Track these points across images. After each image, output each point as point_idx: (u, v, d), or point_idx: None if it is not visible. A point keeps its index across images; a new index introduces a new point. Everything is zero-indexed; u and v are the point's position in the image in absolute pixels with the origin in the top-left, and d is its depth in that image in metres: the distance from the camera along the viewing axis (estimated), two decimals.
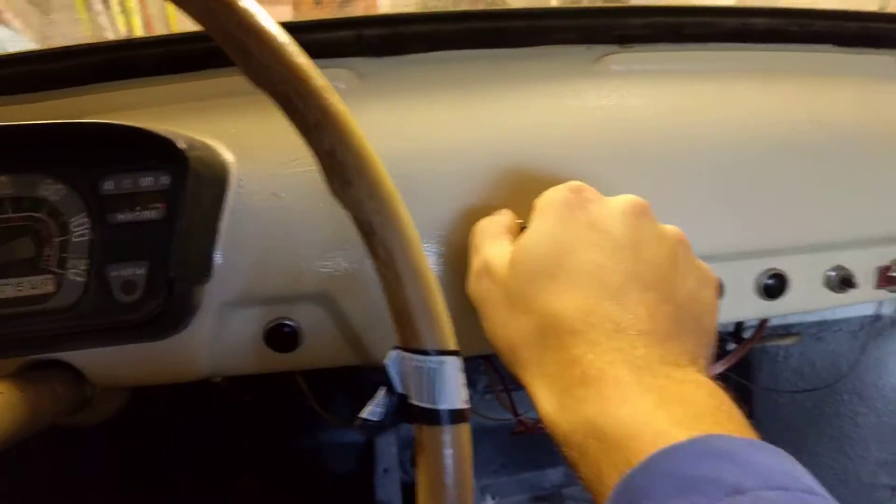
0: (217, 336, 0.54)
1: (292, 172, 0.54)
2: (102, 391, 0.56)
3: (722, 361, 0.85)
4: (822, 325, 1.06)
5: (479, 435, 1.38)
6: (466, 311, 0.52)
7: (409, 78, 0.58)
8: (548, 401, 0.36)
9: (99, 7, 3.33)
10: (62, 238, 0.49)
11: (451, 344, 0.31)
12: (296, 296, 0.55)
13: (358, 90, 0.58)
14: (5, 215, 0.49)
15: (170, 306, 0.49)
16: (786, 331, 1.03)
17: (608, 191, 0.56)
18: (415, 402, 0.30)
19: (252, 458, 1.21)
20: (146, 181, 0.50)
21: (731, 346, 0.92)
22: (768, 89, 0.61)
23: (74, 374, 0.53)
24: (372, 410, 0.33)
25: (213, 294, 0.53)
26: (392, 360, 0.32)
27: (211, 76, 0.57)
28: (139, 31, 3.55)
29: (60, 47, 0.55)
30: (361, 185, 0.30)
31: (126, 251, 0.50)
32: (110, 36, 3.32)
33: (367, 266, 0.54)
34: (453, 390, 0.30)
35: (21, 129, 0.48)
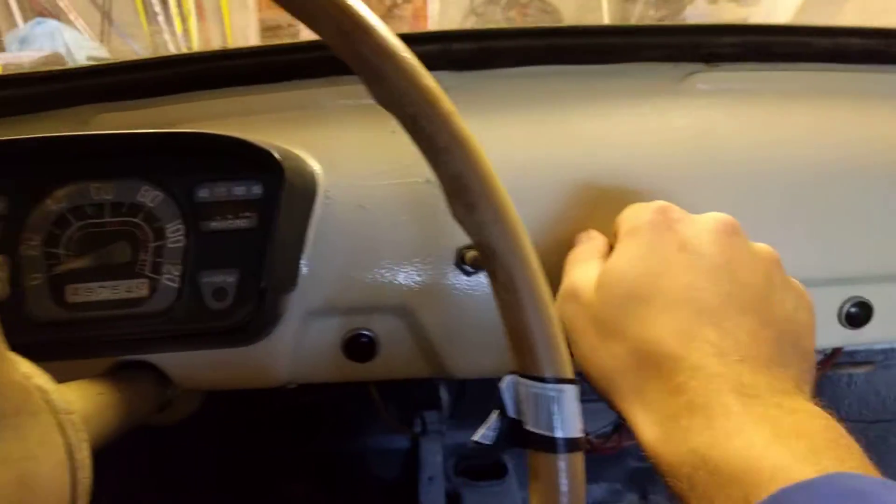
0: (297, 344, 0.55)
1: (378, 185, 0.54)
2: (182, 393, 0.57)
3: None
4: (890, 354, 1.03)
5: (521, 448, 1.37)
6: None
7: (493, 93, 0.58)
8: (650, 430, 0.35)
9: (158, 8, 3.40)
10: (157, 243, 0.51)
11: (570, 372, 0.31)
12: (375, 307, 0.55)
13: None
14: (104, 220, 0.51)
15: (258, 314, 0.49)
16: (852, 358, 1.00)
17: (692, 211, 0.55)
18: (530, 428, 0.30)
19: (299, 462, 1.22)
20: (239, 190, 0.51)
21: None
22: (860, 112, 0.60)
23: (159, 376, 0.54)
24: (484, 434, 0.33)
25: (297, 303, 0.54)
26: (507, 384, 0.32)
27: (299, 87, 0.58)
28: (194, 32, 3.62)
29: (156, 57, 0.56)
30: (486, 210, 0.29)
31: (218, 258, 0.51)
32: (167, 38, 3.38)
33: (448, 280, 0.54)
34: (571, 419, 0.30)
35: (122, 137, 0.49)
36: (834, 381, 1.04)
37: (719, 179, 0.56)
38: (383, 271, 0.54)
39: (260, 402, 1.09)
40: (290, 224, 0.50)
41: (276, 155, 0.48)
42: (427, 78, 0.30)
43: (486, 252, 0.30)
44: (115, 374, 0.50)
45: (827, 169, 0.57)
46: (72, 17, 3.46)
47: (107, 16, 3.60)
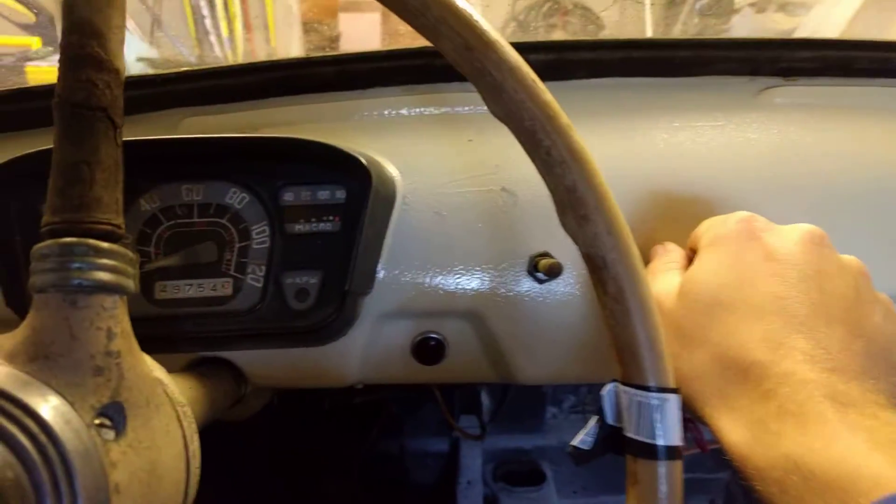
0: (369, 345, 0.56)
1: (455, 192, 0.55)
2: (255, 389, 0.59)
3: None
4: None
5: (560, 455, 1.36)
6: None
7: (570, 103, 0.59)
8: (737, 433, 0.35)
9: (205, 11, 3.48)
10: (243, 244, 0.52)
11: (672, 382, 0.31)
12: (447, 311, 0.56)
13: None
14: (193, 220, 0.53)
15: (339, 316, 0.50)
16: None
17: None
18: (631, 434, 0.31)
19: (344, 460, 1.23)
20: (323, 194, 0.53)
21: None
22: None
23: (237, 373, 0.56)
24: (583, 439, 0.33)
25: (371, 305, 0.55)
26: (609, 392, 0.32)
27: (378, 95, 0.59)
28: (239, 34, 3.68)
29: (241, 64, 0.58)
30: (599, 222, 0.30)
31: (301, 260, 0.52)
32: (214, 40, 3.44)
33: (519, 288, 0.55)
34: (672, 427, 0.31)
35: (212, 141, 0.51)
36: None
37: (797, 193, 0.56)
38: (456, 277, 0.55)
39: (311, 400, 1.11)
40: (373, 229, 0.51)
41: (363, 161, 0.49)
42: (546, 93, 0.31)
43: (596, 263, 0.31)
44: (198, 370, 0.52)
45: None
46: None
47: (157, 18, 3.68)
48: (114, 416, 0.27)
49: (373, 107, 0.59)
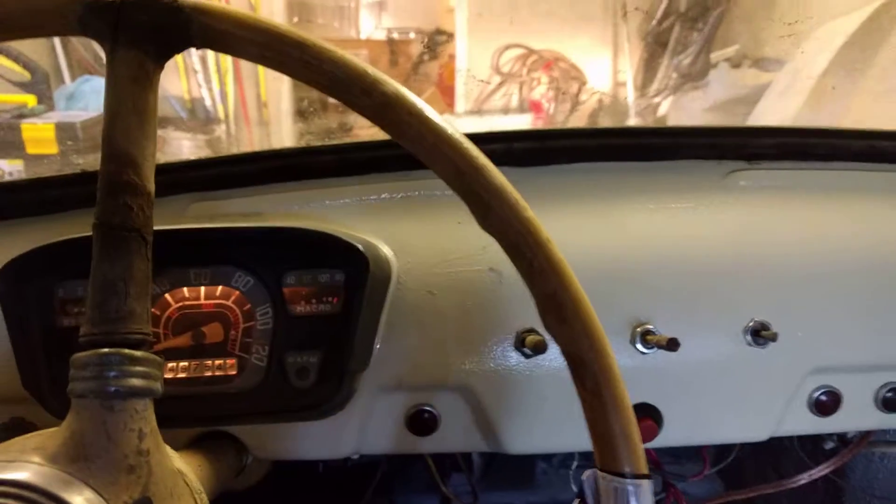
0: (365, 418, 0.59)
1: (446, 272, 0.59)
2: (255, 460, 0.61)
3: (825, 465, 0.85)
4: None
5: None
6: None
7: (551, 187, 0.64)
8: None
9: (197, 67, 3.54)
10: (248, 325, 0.56)
11: (645, 468, 0.34)
12: (439, 385, 0.59)
13: None
14: (200, 301, 0.56)
15: (338, 392, 0.54)
16: (887, 437, 1.01)
17: (736, 299, 0.59)
18: None
19: None
20: (323, 277, 0.56)
21: (830, 444, 0.92)
22: (894, 209, 0.64)
23: (239, 446, 0.58)
24: None
25: (367, 380, 0.58)
26: (588, 478, 0.35)
27: (373, 181, 0.64)
28: (231, 89, 3.73)
29: (244, 153, 0.62)
30: (576, 324, 0.34)
31: (302, 340, 0.55)
32: (205, 94, 3.50)
33: (508, 362, 0.58)
34: None
35: (220, 230, 0.55)
36: (867, 456, 1.05)
37: (763, 271, 0.60)
38: (449, 353, 0.58)
39: (306, 464, 1.12)
40: (370, 309, 0.54)
41: (361, 247, 0.53)
42: (527, 211, 0.35)
43: (575, 361, 0.34)
44: (203, 444, 0.54)
45: (864, 263, 0.62)
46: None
47: None
48: None
49: (369, 192, 0.63)
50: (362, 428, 0.59)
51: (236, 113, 3.73)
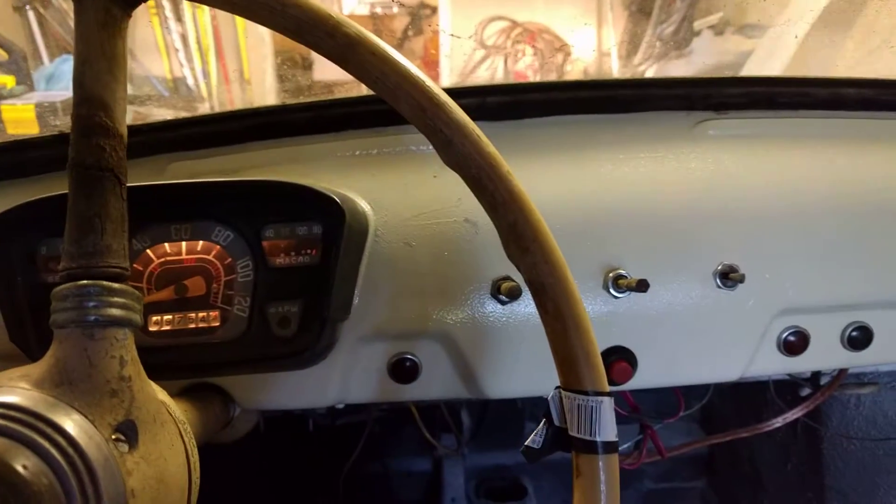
0: (348, 367, 0.61)
1: (422, 224, 0.60)
2: (242, 413, 0.63)
3: (799, 407, 0.88)
4: None
5: (541, 469, 1.41)
6: None
7: (524, 140, 0.65)
8: None
9: (178, 45, 3.50)
10: (229, 278, 0.57)
11: (606, 387, 0.36)
12: (419, 333, 0.61)
13: None
14: (181, 256, 0.57)
15: (319, 340, 0.55)
16: (859, 379, 1.04)
17: (704, 244, 0.61)
18: (574, 433, 0.36)
19: (330, 481, 1.27)
20: (301, 230, 0.58)
21: (805, 391, 0.94)
22: (856, 154, 0.66)
23: (225, 397, 0.60)
24: (533, 439, 0.38)
25: (349, 330, 0.60)
26: (553, 397, 0.37)
27: (348, 137, 0.65)
28: (213, 68, 3.70)
29: (222, 112, 0.63)
30: (537, 252, 0.36)
31: (282, 291, 0.57)
32: (187, 73, 3.46)
33: (484, 309, 0.60)
34: (608, 425, 0.36)
35: (199, 185, 0.56)
36: (843, 401, 1.09)
37: (730, 216, 0.62)
38: (427, 302, 0.60)
39: (296, 423, 1.15)
40: (348, 260, 0.56)
41: (337, 199, 0.55)
42: (489, 146, 0.36)
43: (536, 287, 0.36)
44: (190, 395, 0.56)
45: (827, 206, 0.63)
46: None
47: (130, 51, 3.72)
48: (127, 431, 0.32)
49: (345, 148, 0.64)
50: (345, 377, 0.61)
51: (219, 91, 3.70)
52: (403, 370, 0.62)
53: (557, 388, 0.37)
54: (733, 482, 1.34)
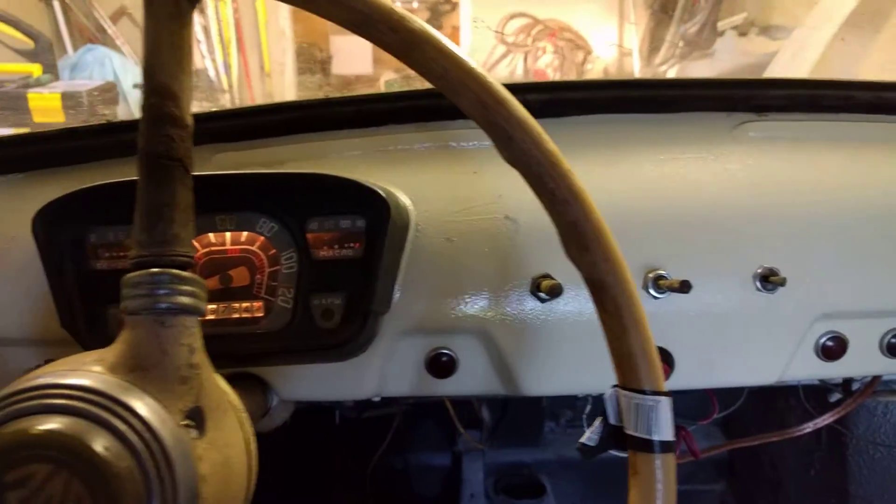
0: (386, 360, 0.61)
1: (462, 220, 0.60)
2: (280, 402, 0.64)
3: (830, 413, 0.88)
4: None
5: (558, 467, 1.41)
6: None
7: (564, 139, 0.65)
8: None
9: (200, 36, 3.53)
10: (273, 269, 0.58)
11: (663, 386, 0.36)
12: (457, 328, 0.61)
13: None
14: (226, 247, 0.58)
15: (361, 333, 0.56)
16: (888, 386, 1.04)
17: (745, 246, 0.61)
18: (631, 432, 0.36)
19: (353, 474, 1.27)
20: (345, 223, 0.58)
21: (835, 396, 0.94)
22: None
23: (264, 387, 0.61)
24: (589, 437, 0.39)
25: (388, 324, 0.60)
26: (610, 396, 0.37)
27: (390, 132, 0.65)
28: (234, 60, 3.71)
29: (266, 105, 0.64)
30: (597, 250, 0.36)
31: (326, 283, 0.57)
32: (209, 65, 3.48)
33: (523, 306, 0.60)
34: (665, 425, 0.36)
35: (244, 176, 0.57)
36: (871, 408, 1.08)
37: (771, 219, 0.62)
38: (466, 297, 0.60)
39: (323, 417, 1.16)
40: (391, 254, 0.56)
41: (382, 193, 0.55)
42: (549, 143, 0.37)
43: (596, 285, 0.36)
44: (232, 384, 0.57)
45: (869, 210, 0.63)
46: (119, 42, 3.60)
47: None
48: (196, 418, 0.33)
49: (387, 142, 0.64)
50: (383, 370, 0.62)
51: (240, 83, 3.72)
52: (440, 365, 0.62)
53: (614, 386, 0.37)
54: (754, 486, 1.33)
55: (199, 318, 0.35)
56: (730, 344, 0.62)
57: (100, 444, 0.28)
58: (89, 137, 0.62)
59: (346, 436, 1.24)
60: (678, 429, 0.83)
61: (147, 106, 0.35)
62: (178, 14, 0.36)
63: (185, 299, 0.33)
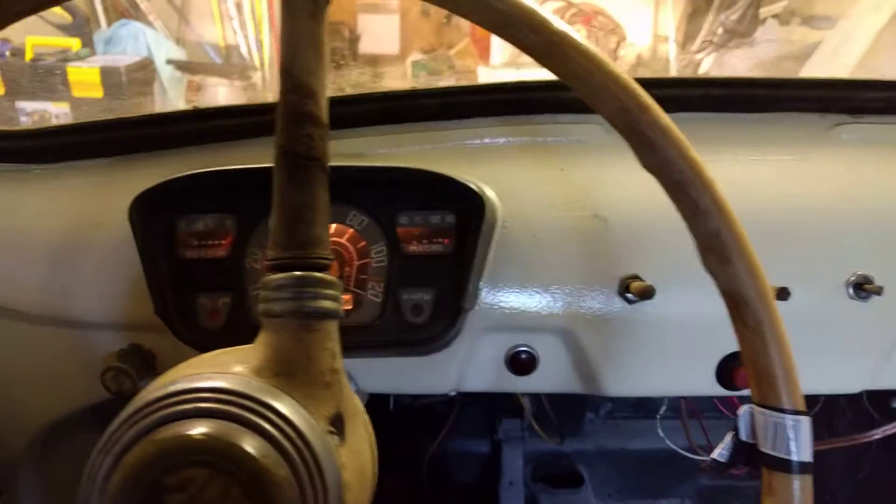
0: (467, 356, 0.61)
1: (550, 217, 0.60)
2: (356, 392, 0.64)
3: None
4: None
5: (597, 458, 1.41)
6: None
7: None
8: None
9: (233, 13, 3.51)
10: (362, 262, 0.57)
11: (804, 405, 0.36)
12: (540, 327, 0.61)
13: (605, 145, 0.63)
14: None
15: (452, 329, 0.55)
16: None
17: (839, 252, 0.60)
18: (767, 450, 0.35)
19: (394, 458, 1.28)
20: (435, 218, 0.58)
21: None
22: None
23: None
24: (720, 453, 0.38)
25: (472, 320, 0.60)
26: (745, 412, 0.37)
27: (476, 125, 0.64)
28: (266, 36, 3.70)
29: (353, 94, 0.63)
30: (739, 264, 0.35)
31: (416, 278, 0.57)
32: (241, 41, 3.47)
33: (609, 307, 0.59)
34: (805, 445, 0.35)
35: (336, 169, 0.56)
36: None
37: (866, 225, 0.60)
38: (551, 295, 0.60)
39: (377, 403, 1.16)
40: (482, 250, 0.56)
41: (476, 189, 0.54)
42: (692, 150, 0.36)
43: (737, 300, 0.35)
44: None
45: None
46: (151, 18, 3.60)
47: (184, 18, 3.75)
48: (337, 424, 0.32)
49: (473, 136, 0.63)
50: (464, 366, 0.61)
51: (272, 60, 3.71)
52: (521, 362, 0.62)
53: (749, 404, 0.36)
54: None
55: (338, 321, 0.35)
56: (819, 351, 0.60)
57: (258, 451, 0.28)
58: (175, 124, 0.61)
59: (398, 423, 1.25)
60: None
61: (287, 103, 0.34)
62: (316, 10, 0.35)
63: (328, 303, 0.33)
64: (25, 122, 2.28)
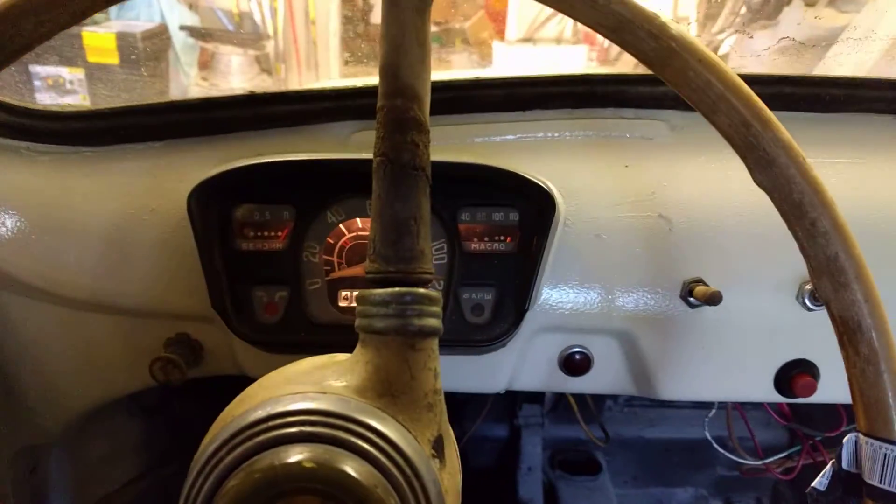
0: (522, 356, 0.60)
1: (613, 216, 0.58)
2: None
3: None
4: None
5: (614, 447, 1.41)
6: None
7: (715, 134, 0.61)
8: None
9: None
10: None
11: None
12: (598, 328, 0.59)
13: (670, 141, 0.61)
14: None
15: (514, 330, 0.54)
16: None
17: None
18: (872, 482, 0.34)
19: None
20: (497, 216, 0.56)
21: None
22: None
23: None
24: (820, 481, 0.37)
25: (529, 320, 0.58)
26: (849, 441, 0.36)
27: (537, 118, 0.62)
28: (280, 5, 3.63)
29: None
30: (857, 290, 0.33)
31: (477, 277, 0.55)
32: (255, 7, 3.41)
33: (671, 311, 0.58)
34: None
35: None
36: None
37: None
38: (611, 297, 0.58)
39: None
40: (548, 251, 0.54)
41: (545, 187, 0.52)
42: (812, 170, 0.34)
43: (851, 327, 0.34)
44: None
45: None
46: None
47: None
48: (438, 447, 0.31)
49: (534, 129, 0.61)
50: (518, 365, 0.60)
51: (284, 30, 3.65)
52: (575, 363, 0.60)
53: (854, 433, 0.35)
54: (812, 476, 1.33)
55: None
56: None
57: (368, 479, 0.27)
58: (230, 108, 0.59)
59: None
60: (804, 438, 0.82)
61: (390, 107, 0.32)
62: (423, 7, 0.33)
63: (433, 321, 0.31)
64: (39, 87, 2.24)
